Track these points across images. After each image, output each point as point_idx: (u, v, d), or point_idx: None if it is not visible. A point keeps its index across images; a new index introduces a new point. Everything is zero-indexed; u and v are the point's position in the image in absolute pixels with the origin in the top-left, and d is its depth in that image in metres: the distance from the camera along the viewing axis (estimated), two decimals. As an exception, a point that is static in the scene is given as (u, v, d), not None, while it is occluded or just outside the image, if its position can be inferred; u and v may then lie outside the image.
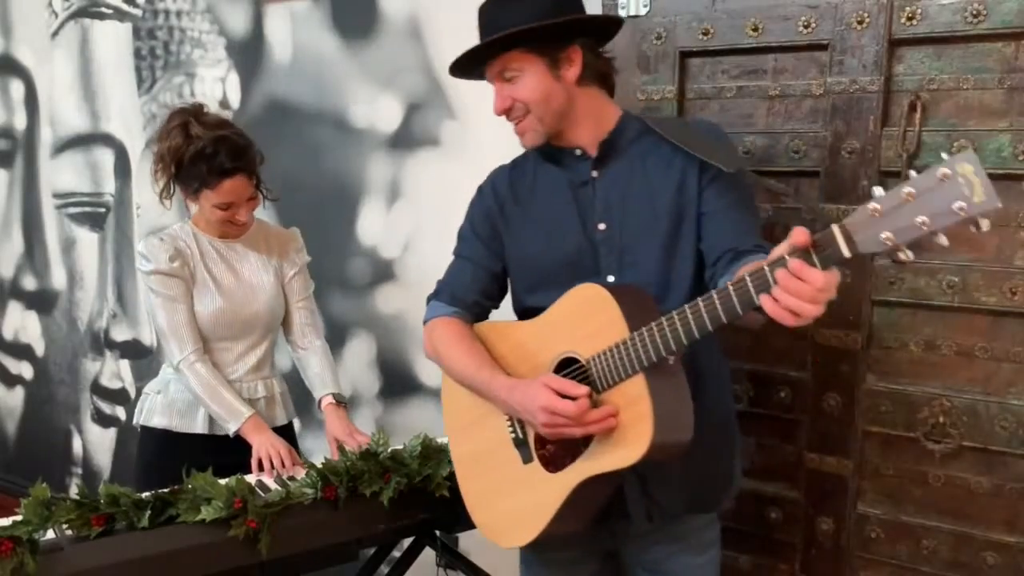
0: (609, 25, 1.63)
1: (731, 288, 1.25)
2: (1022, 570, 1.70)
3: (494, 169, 1.76)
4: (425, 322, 1.74)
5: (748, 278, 1.23)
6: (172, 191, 2.09)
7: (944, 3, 1.66)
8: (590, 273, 1.56)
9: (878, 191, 1.10)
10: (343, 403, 2.20)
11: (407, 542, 2.06)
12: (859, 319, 1.80)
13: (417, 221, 2.72)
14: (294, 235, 2.28)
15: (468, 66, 1.63)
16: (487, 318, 1.75)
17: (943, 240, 1.08)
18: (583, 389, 1.43)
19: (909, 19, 1.69)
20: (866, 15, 1.72)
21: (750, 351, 1.94)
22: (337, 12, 2.80)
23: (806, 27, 1.79)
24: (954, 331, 1.74)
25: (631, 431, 1.40)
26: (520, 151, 1.71)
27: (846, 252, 1.12)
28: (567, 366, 1.51)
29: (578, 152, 1.61)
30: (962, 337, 1.73)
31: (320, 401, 2.20)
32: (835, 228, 1.13)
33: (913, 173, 1.08)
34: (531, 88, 1.56)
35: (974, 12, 1.63)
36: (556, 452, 1.53)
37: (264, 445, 2.02)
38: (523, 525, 1.57)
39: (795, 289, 1.16)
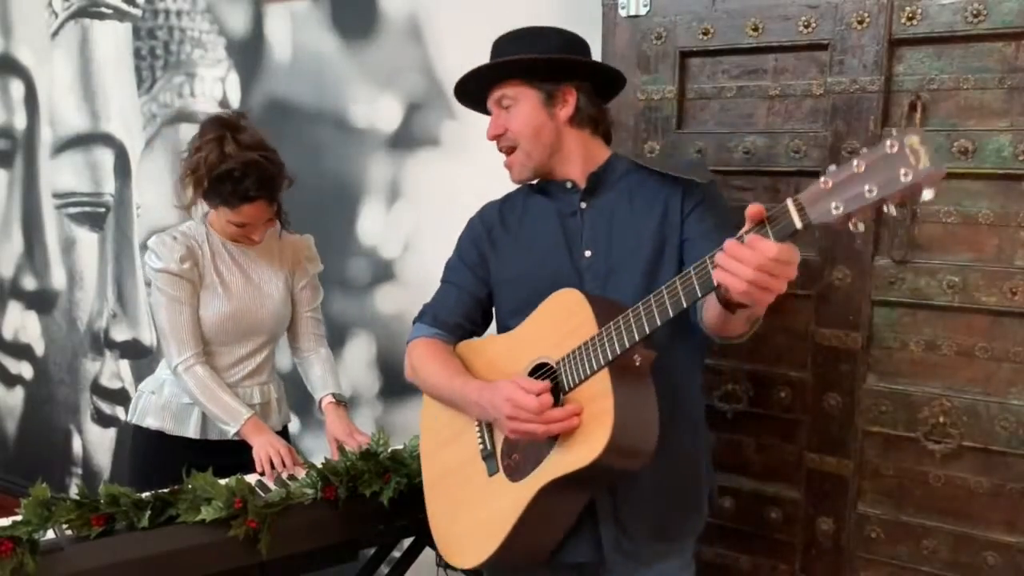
0: (609, 77, 1.68)
1: (692, 270, 1.28)
2: (1022, 570, 1.70)
3: (485, 205, 1.80)
4: (408, 343, 1.77)
5: (708, 259, 1.26)
6: (196, 199, 2.07)
7: (944, 3, 1.66)
8: None
9: (831, 168, 1.14)
10: (343, 402, 2.19)
11: (407, 542, 2.06)
12: (859, 319, 1.80)
13: (417, 221, 2.73)
14: (308, 243, 2.27)
15: (472, 93, 1.69)
16: (469, 337, 1.77)
17: (892, 210, 1.11)
18: (544, 384, 1.45)
19: (909, 19, 1.69)
20: (866, 15, 1.72)
21: (750, 351, 1.94)
22: (337, 12, 2.80)
23: (806, 27, 1.79)
24: (954, 331, 1.73)
25: (591, 427, 1.40)
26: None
27: (798, 223, 1.15)
28: (539, 370, 1.52)
29: (568, 185, 1.67)
30: (962, 337, 1.73)
31: (320, 401, 2.20)
32: (788, 201, 1.17)
33: (864, 150, 1.11)
34: (523, 119, 1.62)
35: (974, 12, 1.63)
36: (521, 461, 1.53)
37: (264, 446, 2.02)
38: (482, 538, 1.56)
39: (743, 256, 1.18)
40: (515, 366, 1.57)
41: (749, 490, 1.97)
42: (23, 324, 4.02)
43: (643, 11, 1.96)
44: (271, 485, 1.89)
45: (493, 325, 1.79)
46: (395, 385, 2.83)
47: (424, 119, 2.65)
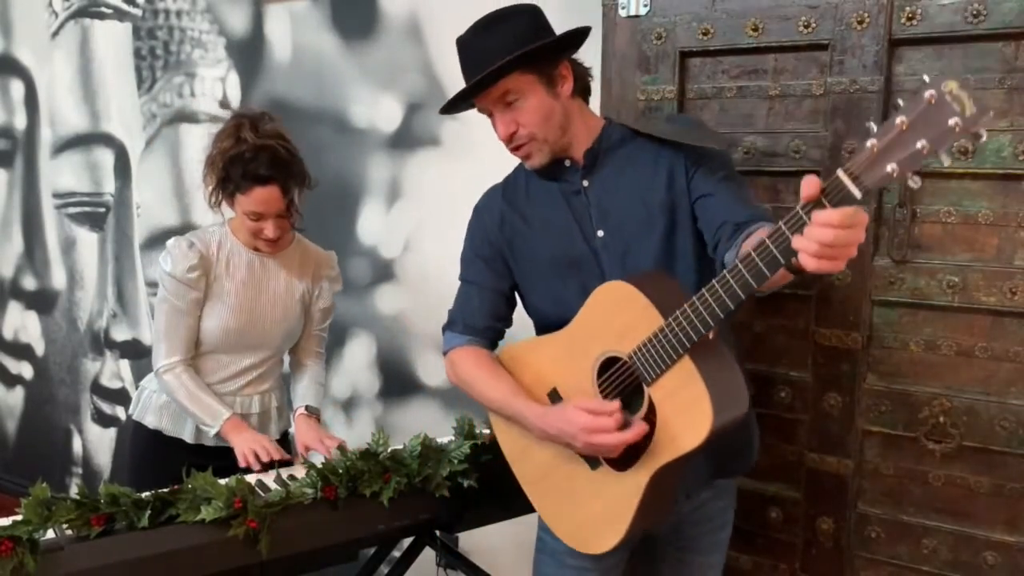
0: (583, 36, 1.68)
1: (754, 254, 1.27)
2: (1022, 570, 1.70)
3: (487, 191, 1.79)
4: (444, 353, 1.79)
5: (768, 240, 1.24)
6: (220, 198, 2.05)
7: (944, 3, 1.66)
8: (596, 277, 1.59)
9: (872, 127, 1.12)
10: (315, 414, 2.18)
11: (407, 542, 2.06)
12: (859, 319, 1.80)
13: (417, 221, 2.73)
14: (331, 261, 2.24)
15: (460, 101, 1.65)
16: (502, 338, 1.79)
17: (945, 160, 1.10)
18: (614, 404, 1.48)
19: (909, 19, 1.69)
20: (866, 15, 1.72)
21: (750, 351, 1.94)
22: (337, 12, 2.80)
23: (806, 27, 1.79)
24: (954, 331, 1.74)
25: (690, 413, 1.41)
26: (512, 164, 1.75)
27: (857, 193, 1.14)
28: (610, 366, 1.53)
29: (567, 163, 1.66)
30: (962, 337, 1.73)
31: (294, 413, 2.20)
32: (840, 173, 1.15)
33: (900, 102, 1.10)
34: (533, 109, 1.60)
35: (974, 12, 1.63)
36: (622, 453, 1.54)
37: (246, 442, 2.00)
38: (608, 527, 1.57)
39: (809, 234, 1.16)
40: (581, 364, 1.56)
41: (749, 490, 1.97)
42: (23, 324, 4.02)
43: (643, 11, 1.96)
44: (271, 485, 1.89)
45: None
46: (395, 385, 2.83)
47: (424, 119, 2.65)
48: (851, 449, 1.84)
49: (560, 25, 1.64)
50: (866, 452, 1.84)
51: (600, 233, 1.63)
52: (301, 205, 2.10)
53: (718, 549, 1.81)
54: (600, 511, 1.59)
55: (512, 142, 1.63)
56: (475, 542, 2.29)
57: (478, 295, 1.74)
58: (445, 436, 1.99)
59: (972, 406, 1.72)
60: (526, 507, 1.76)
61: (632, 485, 1.52)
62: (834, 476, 1.86)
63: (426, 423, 2.52)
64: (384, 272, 2.81)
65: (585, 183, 1.65)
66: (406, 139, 2.70)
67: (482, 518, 2.01)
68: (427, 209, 2.68)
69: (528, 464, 1.72)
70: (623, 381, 1.52)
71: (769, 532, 1.96)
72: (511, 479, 1.76)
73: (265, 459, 1.97)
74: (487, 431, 1.99)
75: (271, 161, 1.97)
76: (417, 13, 2.62)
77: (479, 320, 1.74)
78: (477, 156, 2.52)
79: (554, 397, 1.64)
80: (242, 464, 1.99)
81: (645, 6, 1.95)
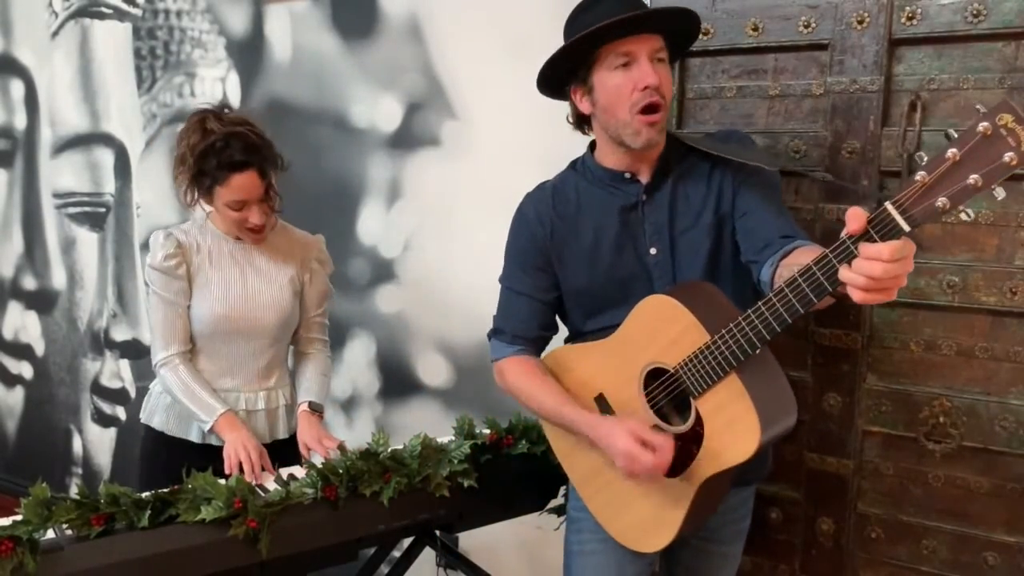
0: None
1: (800, 279, 1.27)
2: (1022, 570, 1.70)
3: (532, 192, 1.76)
4: (492, 361, 1.80)
5: (815, 267, 1.23)
6: (195, 195, 2.04)
7: (944, 3, 1.66)
8: (645, 293, 1.58)
9: (924, 159, 1.10)
10: (318, 411, 2.17)
11: (407, 542, 2.06)
12: (859, 319, 1.80)
13: (417, 221, 2.73)
14: (319, 244, 2.23)
15: (614, 29, 1.50)
16: (548, 343, 1.80)
17: (1000, 192, 1.07)
18: (665, 439, 1.49)
19: (909, 19, 1.69)
20: (866, 15, 1.72)
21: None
22: (337, 12, 2.80)
23: (806, 27, 1.79)
24: (954, 331, 1.74)
25: (739, 428, 1.43)
26: (544, 170, 1.75)
27: (905, 227, 1.12)
28: (656, 376, 1.54)
29: (627, 175, 1.65)
30: (962, 337, 1.73)
31: (298, 407, 2.19)
32: (889, 206, 1.12)
33: (953, 132, 1.07)
34: (670, 79, 1.59)
35: (974, 12, 1.63)
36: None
37: (235, 442, 1.98)
38: (658, 529, 1.60)
39: (858, 267, 1.15)
40: (627, 372, 1.58)
41: (749, 490, 1.97)
42: (23, 324, 4.02)
43: (643, 11, 1.95)
44: (271, 485, 1.89)
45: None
46: (395, 385, 2.83)
47: (424, 119, 2.65)
48: (851, 449, 1.84)
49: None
50: (866, 452, 1.84)
51: (653, 251, 1.63)
52: (277, 189, 2.10)
53: (738, 539, 1.84)
54: (649, 514, 1.62)
55: (652, 97, 1.54)
56: (475, 542, 2.29)
57: (526, 305, 1.74)
58: (445, 436, 1.99)
59: (972, 406, 1.72)
60: (526, 507, 1.76)
61: (681, 492, 1.55)
62: (834, 476, 1.86)
63: (426, 423, 2.52)
64: (384, 272, 2.81)
65: (644, 197, 1.64)
66: (406, 139, 2.69)
67: (482, 518, 2.01)
68: (427, 209, 2.68)
69: (577, 462, 1.74)
70: (670, 392, 1.53)
71: (769, 532, 1.96)
72: (511, 479, 1.76)
73: (247, 473, 1.93)
74: (487, 431, 1.99)
75: (244, 146, 1.96)
76: (417, 13, 2.62)
77: (529, 331, 1.75)
78: (477, 156, 2.52)
79: (600, 402, 1.65)
80: (226, 469, 1.96)
81: (645, 6, 1.95)
